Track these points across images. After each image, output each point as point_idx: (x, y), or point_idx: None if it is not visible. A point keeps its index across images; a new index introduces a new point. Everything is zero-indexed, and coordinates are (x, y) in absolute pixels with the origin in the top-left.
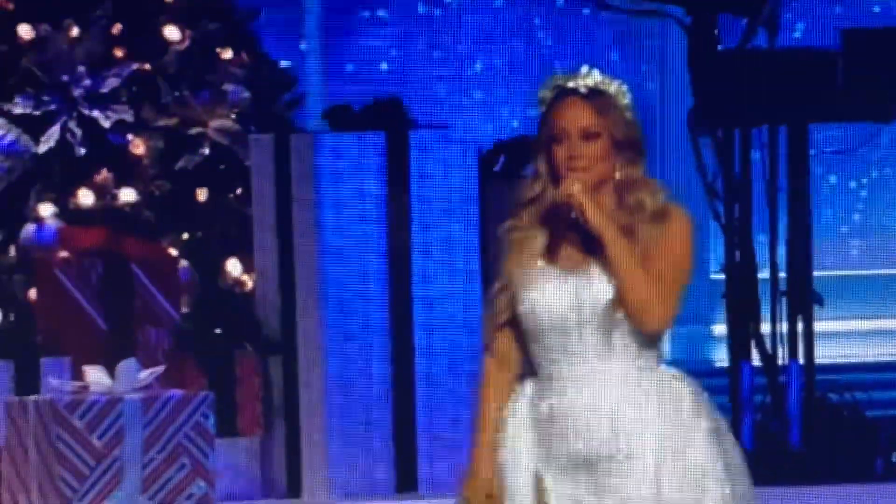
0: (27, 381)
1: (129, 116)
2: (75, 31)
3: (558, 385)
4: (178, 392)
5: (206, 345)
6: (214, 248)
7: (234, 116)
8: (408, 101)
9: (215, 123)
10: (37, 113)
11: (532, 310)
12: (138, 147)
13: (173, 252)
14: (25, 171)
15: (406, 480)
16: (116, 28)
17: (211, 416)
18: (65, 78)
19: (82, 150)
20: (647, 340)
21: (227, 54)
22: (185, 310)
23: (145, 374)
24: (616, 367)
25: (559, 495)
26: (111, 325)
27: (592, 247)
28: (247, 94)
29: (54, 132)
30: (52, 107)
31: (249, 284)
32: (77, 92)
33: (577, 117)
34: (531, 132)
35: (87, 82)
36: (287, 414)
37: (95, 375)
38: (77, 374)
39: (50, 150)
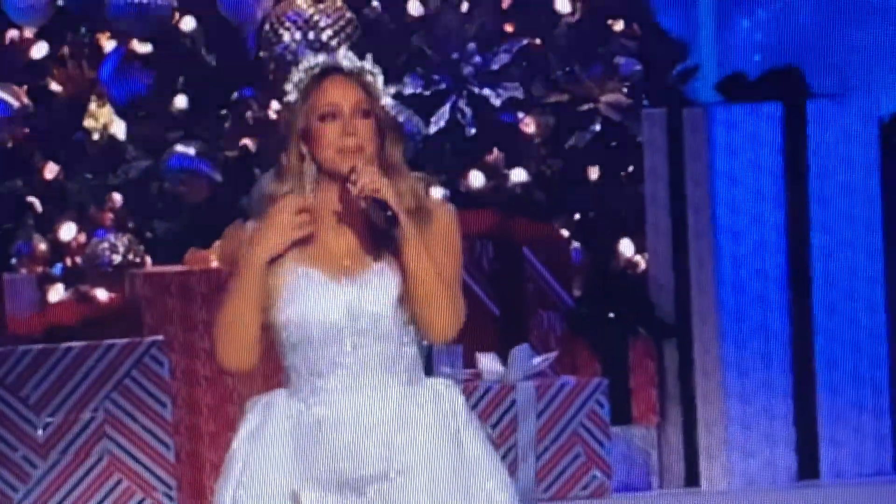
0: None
1: (519, 94)
2: (465, 6)
3: (326, 398)
4: (571, 378)
5: (600, 329)
6: (607, 228)
7: (625, 90)
8: (805, 67)
9: (606, 98)
10: (427, 93)
11: (299, 321)
12: (529, 125)
13: (565, 233)
14: (416, 152)
15: (808, 467)
16: (506, 2)
17: (606, 404)
18: (455, 56)
19: (472, 130)
20: (419, 350)
21: (619, 26)
22: (577, 293)
23: (539, 361)
24: (391, 380)
25: None
26: (503, 310)
27: (377, 247)
28: (638, 67)
29: (444, 112)
30: (442, 86)
31: (642, 265)
32: (467, 70)
33: (349, 93)
34: None
35: (477, 59)
36: (683, 400)
37: (488, 362)
38: (470, 361)
39: (440, 131)
